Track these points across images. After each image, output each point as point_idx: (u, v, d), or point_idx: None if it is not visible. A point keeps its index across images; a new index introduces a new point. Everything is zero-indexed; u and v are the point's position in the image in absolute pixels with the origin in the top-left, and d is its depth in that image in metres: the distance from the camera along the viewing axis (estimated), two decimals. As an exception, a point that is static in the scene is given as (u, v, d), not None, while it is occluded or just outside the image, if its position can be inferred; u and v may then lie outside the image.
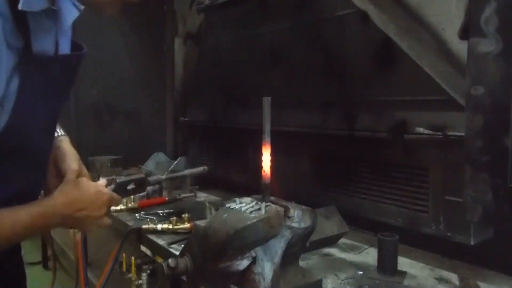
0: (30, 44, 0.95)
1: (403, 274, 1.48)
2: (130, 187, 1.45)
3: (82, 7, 1.07)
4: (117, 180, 1.38)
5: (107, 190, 1.22)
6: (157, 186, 2.41)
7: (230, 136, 2.71)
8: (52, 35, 1.05)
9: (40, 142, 1.09)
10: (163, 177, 1.74)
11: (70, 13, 1.04)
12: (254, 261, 1.16)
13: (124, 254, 2.03)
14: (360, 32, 1.80)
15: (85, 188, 1.15)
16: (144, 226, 1.89)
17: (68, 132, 1.63)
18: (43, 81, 1.01)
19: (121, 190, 1.36)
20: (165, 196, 2.40)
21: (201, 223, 1.68)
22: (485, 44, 1.27)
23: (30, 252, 3.66)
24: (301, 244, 1.26)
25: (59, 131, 1.35)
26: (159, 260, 1.80)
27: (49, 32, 1.03)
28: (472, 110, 1.32)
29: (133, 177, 1.45)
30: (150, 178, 1.63)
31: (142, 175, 1.55)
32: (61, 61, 1.08)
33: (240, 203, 1.23)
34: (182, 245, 1.34)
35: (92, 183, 1.21)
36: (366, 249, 1.76)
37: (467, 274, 1.49)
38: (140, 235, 1.91)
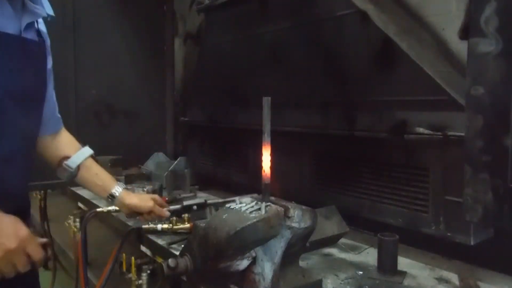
0: None
1: (403, 274, 1.48)
2: (194, 207, 1.87)
3: (43, 14, 1.33)
4: (184, 203, 1.80)
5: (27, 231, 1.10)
6: (157, 186, 2.41)
7: (230, 136, 2.71)
8: (16, 22, 1.23)
9: (10, 109, 1.21)
10: (221, 200, 1.93)
11: (34, 15, 1.29)
12: (254, 261, 1.16)
13: (124, 254, 2.03)
14: (360, 32, 1.80)
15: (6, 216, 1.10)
16: (144, 226, 1.89)
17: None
18: (6, 58, 1.18)
19: (186, 210, 1.74)
20: (165, 196, 2.41)
21: (201, 223, 1.68)
22: (485, 44, 1.27)
23: (30, 252, 3.65)
24: (301, 244, 1.26)
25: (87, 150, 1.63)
26: (159, 260, 1.80)
27: (12, 17, 1.21)
28: (472, 110, 1.32)
29: (196, 201, 1.79)
30: (210, 201, 1.94)
31: (202, 200, 1.91)
32: (23, 44, 1.25)
33: (240, 203, 1.23)
34: (182, 245, 1.34)
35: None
36: (366, 249, 1.76)
37: (467, 274, 1.49)
38: (140, 235, 1.91)
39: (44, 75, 1.41)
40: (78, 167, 1.60)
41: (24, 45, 1.26)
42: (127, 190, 1.73)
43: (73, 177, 1.61)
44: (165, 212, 1.73)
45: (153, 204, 1.68)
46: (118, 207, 1.70)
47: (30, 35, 1.30)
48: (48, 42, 1.44)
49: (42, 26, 1.42)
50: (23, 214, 1.33)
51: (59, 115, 1.63)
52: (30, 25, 1.30)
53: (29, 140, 1.35)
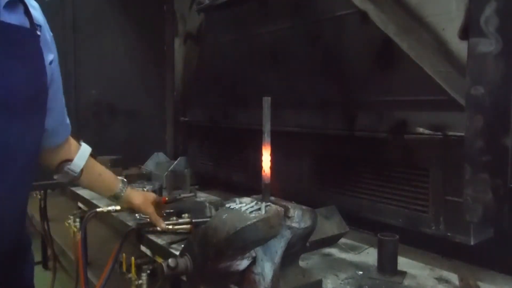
0: None
1: (403, 274, 1.48)
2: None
3: None
4: (193, 220, 1.79)
5: None
6: (157, 186, 2.41)
7: (230, 136, 2.71)
8: None
9: None
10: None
11: None
12: (254, 261, 1.16)
13: (124, 254, 2.03)
14: (360, 32, 1.80)
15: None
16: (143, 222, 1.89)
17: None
18: None
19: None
20: (165, 196, 2.40)
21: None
22: (485, 44, 1.27)
23: (30, 252, 3.65)
24: (301, 244, 1.26)
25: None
26: (159, 260, 1.80)
27: None
28: (472, 110, 1.32)
29: (205, 219, 1.75)
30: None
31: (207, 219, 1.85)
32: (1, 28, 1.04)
33: (240, 203, 1.23)
34: (182, 245, 1.34)
35: None
36: (366, 249, 1.76)
37: (467, 274, 1.49)
38: (140, 235, 1.91)
39: (40, 73, 1.17)
40: (81, 170, 1.51)
41: (3, 30, 1.04)
42: (131, 187, 1.71)
43: (75, 180, 1.53)
44: (162, 225, 1.75)
45: (152, 211, 1.69)
46: (120, 205, 1.69)
47: (14, 19, 1.09)
48: (45, 33, 1.23)
49: (38, 14, 1.21)
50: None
51: (68, 122, 1.48)
52: (13, 7, 1.10)
53: (18, 153, 1.12)
